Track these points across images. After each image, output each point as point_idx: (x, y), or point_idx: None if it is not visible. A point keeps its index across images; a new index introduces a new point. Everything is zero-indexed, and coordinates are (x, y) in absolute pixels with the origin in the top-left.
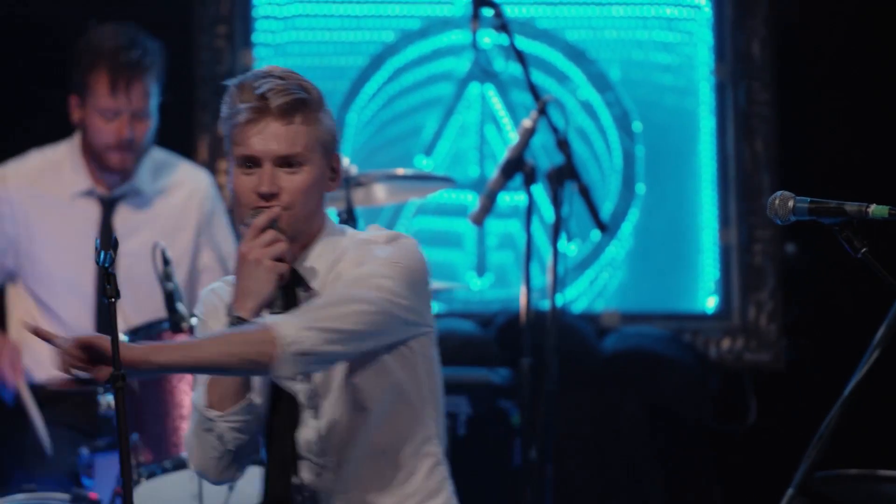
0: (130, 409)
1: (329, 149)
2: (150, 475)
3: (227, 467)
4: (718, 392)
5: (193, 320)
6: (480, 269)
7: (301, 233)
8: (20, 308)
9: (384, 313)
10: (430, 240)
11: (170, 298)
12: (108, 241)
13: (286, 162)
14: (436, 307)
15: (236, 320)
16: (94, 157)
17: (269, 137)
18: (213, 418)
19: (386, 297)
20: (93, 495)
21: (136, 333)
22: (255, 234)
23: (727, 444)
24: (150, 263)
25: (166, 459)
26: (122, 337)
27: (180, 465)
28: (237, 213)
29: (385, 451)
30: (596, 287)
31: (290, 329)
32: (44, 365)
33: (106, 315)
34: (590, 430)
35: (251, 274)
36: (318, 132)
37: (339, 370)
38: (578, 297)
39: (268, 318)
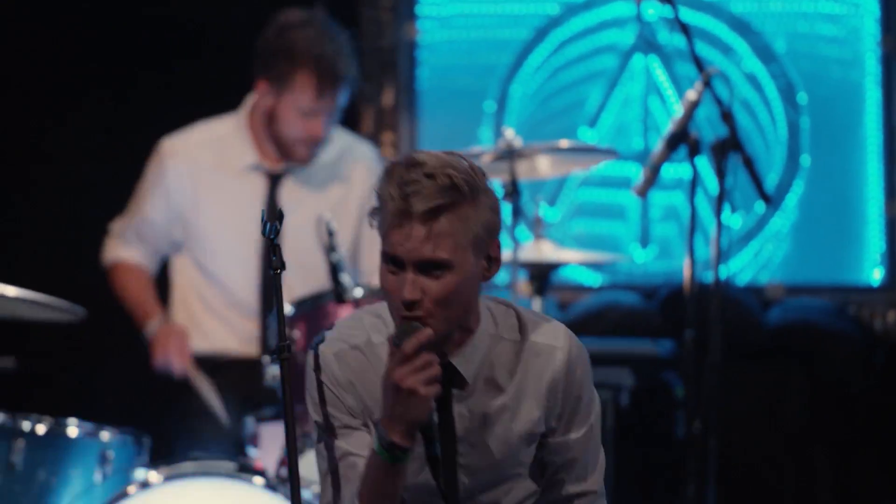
0: (296, 380)
1: (483, 241)
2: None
3: None
4: (884, 365)
5: (357, 290)
6: (644, 241)
7: (452, 331)
8: (185, 279)
9: None
10: (593, 212)
11: (334, 270)
12: (273, 214)
13: (429, 267)
14: (599, 279)
15: (389, 446)
16: (275, 142)
17: (411, 242)
18: None
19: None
20: (258, 464)
21: (301, 305)
22: (403, 360)
23: (894, 419)
24: (314, 237)
25: None
26: (288, 308)
27: None
28: (386, 302)
29: None
30: (760, 259)
31: None
32: (211, 337)
33: (270, 287)
34: (755, 403)
35: (404, 402)
36: (469, 229)
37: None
38: (742, 269)
39: None
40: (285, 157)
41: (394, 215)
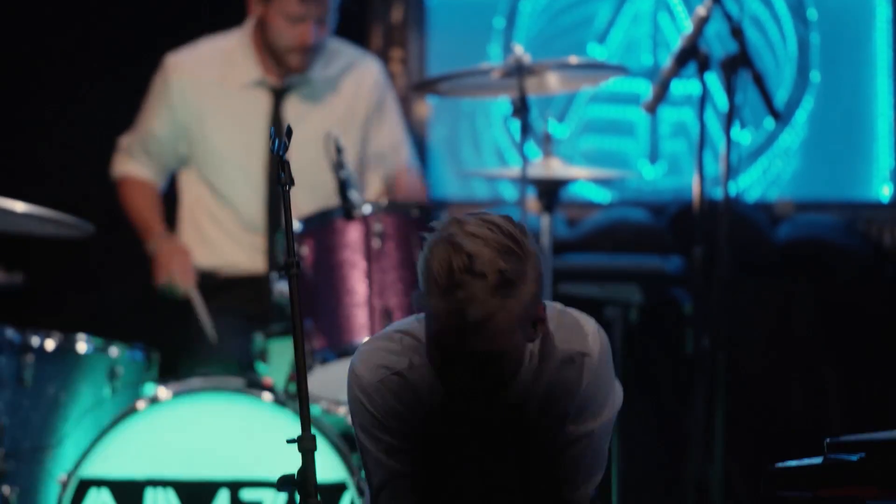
0: (304, 296)
1: (530, 315)
2: (323, 361)
3: None
4: (893, 281)
5: (366, 207)
6: (653, 158)
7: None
8: (192, 194)
9: None
10: (602, 128)
11: (342, 186)
12: (280, 130)
13: (487, 360)
14: (608, 195)
15: None
16: (271, 53)
17: (464, 345)
18: None
19: None
20: (267, 380)
21: (310, 221)
22: None
23: None
24: (319, 152)
25: (340, 345)
26: (296, 225)
27: (354, 351)
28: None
29: None
30: (769, 175)
31: None
32: (219, 252)
33: (277, 202)
34: (763, 319)
35: None
36: (521, 311)
37: None
38: (752, 185)
39: None
40: (281, 67)
41: (446, 318)
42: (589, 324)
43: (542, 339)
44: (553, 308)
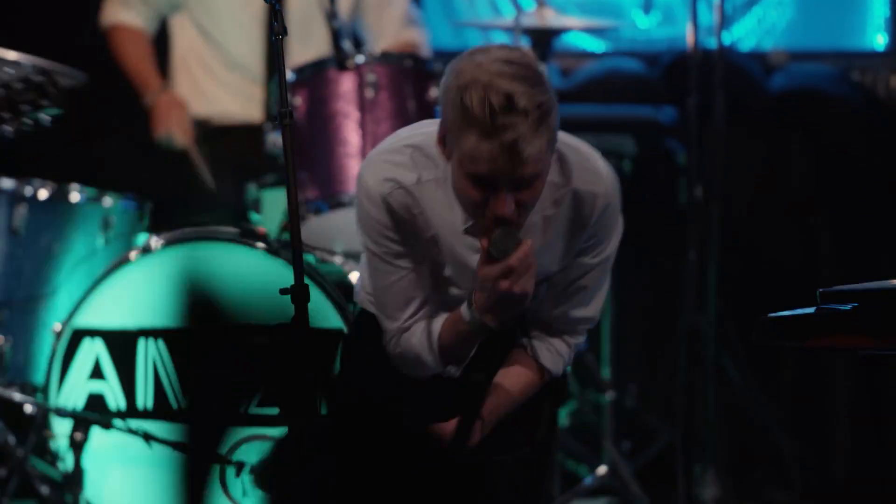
0: (297, 146)
1: (555, 138)
2: (317, 211)
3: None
4: (886, 129)
5: (359, 57)
6: (647, 7)
7: None
8: (185, 41)
9: None
10: None
11: (335, 36)
12: None
13: (522, 183)
14: (602, 45)
15: (482, 327)
16: None
17: (510, 169)
18: (449, 368)
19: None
20: (260, 230)
21: (303, 71)
22: (514, 270)
23: None
24: (314, 2)
25: (333, 196)
26: (289, 75)
27: (347, 201)
28: (459, 201)
29: None
30: (764, 25)
31: (556, 365)
32: (212, 100)
33: (273, 53)
34: (757, 169)
35: (511, 303)
36: (552, 139)
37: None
38: (746, 35)
39: (541, 356)
40: None
41: (495, 157)
42: (599, 162)
43: (560, 168)
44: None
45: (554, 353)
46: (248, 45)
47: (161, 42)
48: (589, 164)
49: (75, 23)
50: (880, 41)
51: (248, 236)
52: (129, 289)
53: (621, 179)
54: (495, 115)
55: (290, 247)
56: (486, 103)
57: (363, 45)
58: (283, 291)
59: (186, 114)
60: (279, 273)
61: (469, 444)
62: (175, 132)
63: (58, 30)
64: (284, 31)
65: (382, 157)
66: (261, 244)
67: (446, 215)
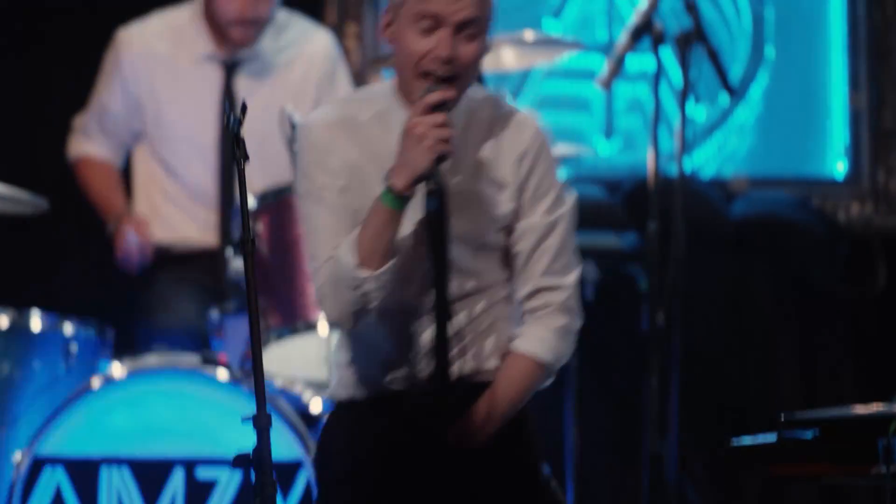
0: (259, 273)
1: (490, 22)
2: (279, 337)
3: (362, 319)
4: (847, 258)
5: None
6: (608, 134)
7: (460, 100)
8: (145, 169)
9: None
10: (557, 104)
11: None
12: (234, 104)
13: (467, 28)
14: (563, 172)
15: (392, 191)
16: (216, 26)
17: (458, 2)
18: (364, 277)
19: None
20: (222, 357)
21: (265, 198)
22: (426, 110)
23: (857, 311)
24: (271, 126)
25: (295, 322)
26: (251, 201)
27: (309, 328)
28: (401, 75)
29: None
30: (724, 152)
31: (549, 355)
32: (172, 227)
33: (229, 177)
34: (718, 296)
35: (414, 148)
36: (491, 6)
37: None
38: (706, 161)
39: (524, 343)
40: (225, 41)
41: None
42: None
43: (487, 98)
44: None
45: (534, 338)
46: (206, 171)
47: (126, 172)
48: (522, 113)
49: (38, 151)
50: (840, 168)
51: (209, 363)
52: (91, 417)
53: (584, 305)
54: None
55: (252, 375)
56: None
57: None
58: (245, 420)
59: (148, 233)
60: (242, 401)
61: (473, 442)
62: (134, 251)
63: (19, 157)
64: (246, 157)
65: (325, 105)
66: (223, 372)
67: (379, 150)
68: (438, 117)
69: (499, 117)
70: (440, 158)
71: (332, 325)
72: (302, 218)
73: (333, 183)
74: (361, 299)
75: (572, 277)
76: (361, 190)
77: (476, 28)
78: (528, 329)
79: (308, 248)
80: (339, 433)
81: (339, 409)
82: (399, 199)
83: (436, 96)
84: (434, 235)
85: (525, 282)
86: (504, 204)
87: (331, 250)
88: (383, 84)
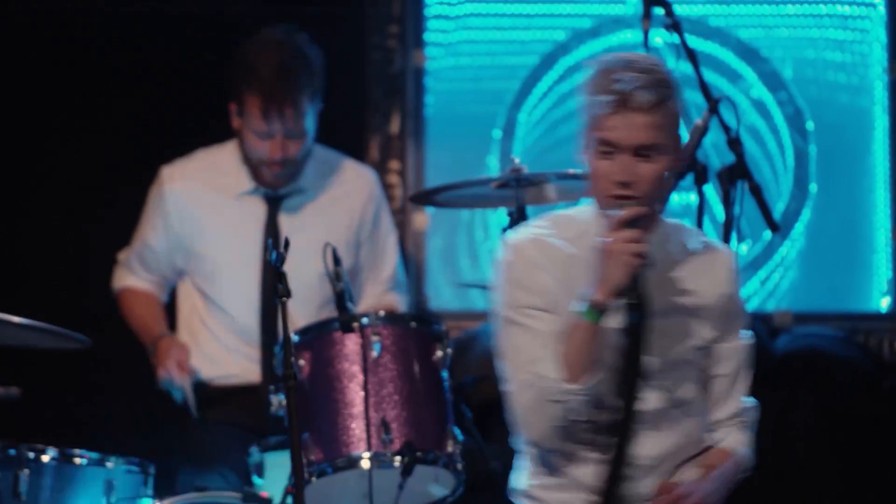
0: (301, 408)
1: (677, 133)
2: (321, 474)
3: (567, 437)
4: (892, 392)
5: (364, 319)
6: None
7: (655, 214)
8: (189, 304)
9: None
10: None
11: (340, 298)
12: (277, 240)
13: (644, 151)
14: None
15: (591, 303)
16: (249, 167)
17: (629, 128)
18: (571, 390)
19: None
20: (264, 494)
21: (306, 333)
22: (619, 227)
23: None
24: (313, 262)
25: (337, 458)
26: (293, 336)
27: (351, 463)
28: (592, 192)
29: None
30: (768, 287)
31: (749, 462)
32: (214, 362)
33: (271, 313)
34: (762, 430)
35: (610, 262)
36: (674, 119)
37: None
38: (750, 296)
39: (728, 442)
40: (256, 180)
41: (612, 108)
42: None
43: (679, 227)
44: None
45: (739, 444)
46: (249, 307)
47: (172, 310)
48: (720, 247)
49: (79, 289)
50: (884, 304)
51: (251, 501)
52: None
53: None
54: (620, 68)
55: None
56: (612, 63)
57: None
58: None
59: (187, 356)
60: None
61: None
62: (173, 373)
63: (62, 295)
64: (288, 294)
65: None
66: None
67: (575, 272)
68: (633, 233)
69: (699, 246)
70: (636, 272)
71: (536, 444)
72: (497, 336)
73: (533, 302)
74: (564, 414)
75: (743, 395)
76: (556, 311)
77: (656, 150)
78: (731, 436)
79: (504, 368)
80: None
81: None
82: (598, 313)
83: (629, 213)
84: (632, 348)
85: (728, 402)
86: (706, 331)
87: (528, 371)
88: (587, 205)
